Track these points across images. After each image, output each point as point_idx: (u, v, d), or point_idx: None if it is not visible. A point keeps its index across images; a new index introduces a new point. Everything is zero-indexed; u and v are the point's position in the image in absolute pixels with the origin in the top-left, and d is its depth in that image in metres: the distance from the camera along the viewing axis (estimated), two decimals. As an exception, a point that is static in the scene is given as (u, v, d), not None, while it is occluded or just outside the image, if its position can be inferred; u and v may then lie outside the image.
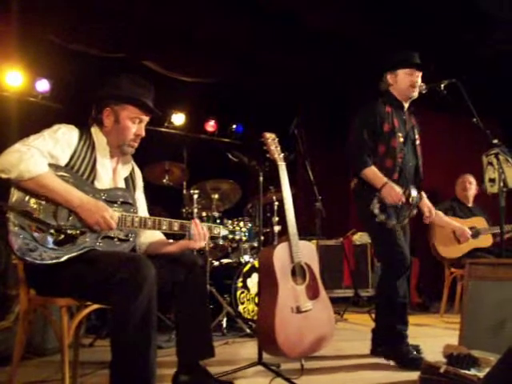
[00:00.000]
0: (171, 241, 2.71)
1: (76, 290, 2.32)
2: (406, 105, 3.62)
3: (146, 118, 2.59)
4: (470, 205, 5.55)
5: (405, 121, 3.57)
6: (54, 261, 2.21)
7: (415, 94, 3.53)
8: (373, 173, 3.34)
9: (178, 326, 2.62)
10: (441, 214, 5.33)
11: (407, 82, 3.50)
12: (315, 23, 5.66)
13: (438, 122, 6.72)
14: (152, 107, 2.59)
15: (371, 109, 3.48)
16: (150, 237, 2.69)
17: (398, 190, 3.28)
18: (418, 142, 3.59)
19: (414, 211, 3.44)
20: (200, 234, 2.59)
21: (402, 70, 3.52)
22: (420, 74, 3.51)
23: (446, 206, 5.45)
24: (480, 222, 5.35)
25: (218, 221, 4.76)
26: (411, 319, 5.29)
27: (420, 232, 6.57)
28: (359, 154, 3.37)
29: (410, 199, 3.29)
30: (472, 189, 5.57)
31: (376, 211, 3.30)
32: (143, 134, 2.59)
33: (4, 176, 2.19)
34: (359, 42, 5.92)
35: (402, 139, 3.47)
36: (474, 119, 3.43)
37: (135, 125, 2.55)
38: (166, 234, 2.71)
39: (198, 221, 2.63)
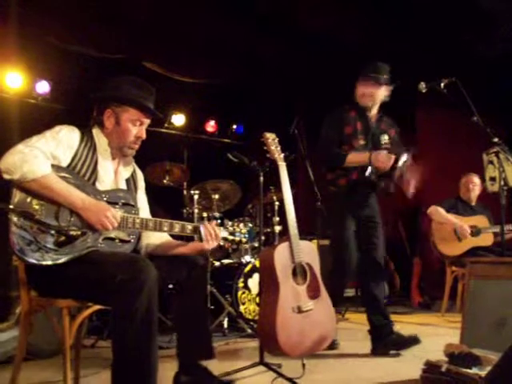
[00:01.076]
0: (180, 242, 2.72)
1: (77, 291, 2.32)
2: (373, 110, 3.84)
3: (146, 121, 2.59)
4: (474, 204, 5.54)
5: (369, 125, 3.79)
6: (55, 262, 2.21)
7: (368, 104, 3.78)
8: (352, 156, 3.64)
9: (178, 326, 2.63)
10: (441, 210, 5.35)
11: (359, 92, 3.79)
12: (315, 24, 5.65)
13: (439, 120, 6.73)
14: (153, 110, 2.59)
15: (335, 113, 3.82)
16: (160, 238, 2.69)
17: (384, 153, 3.58)
18: (383, 146, 3.76)
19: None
20: (211, 234, 2.60)
21: (360, 80, 3.80)
22: (375, 86, 3.74)
23: (449, 204, 5.44)
24: (481, 220, 5.35)
25: (219, 221, 4.76)
26: (413, 318, 5.32)
27: (421, 232, 6.59)
28: (331, 152, 3.70)
29: (399, 161, 3.57)
30: (476, 190, 5.53)
31: (373, 177, 3.62)
32: (144, 136, 2.58)
33: (7, 177, 2.19)
34: (359, 42, 5.92)
35: (362, 141, 3.72)
36: (475, 118, 3.43)
37: (136, 127, 2.55)
38: (172, 235, 2.72)
39: (207, 223, 2.63)
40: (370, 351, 3.62)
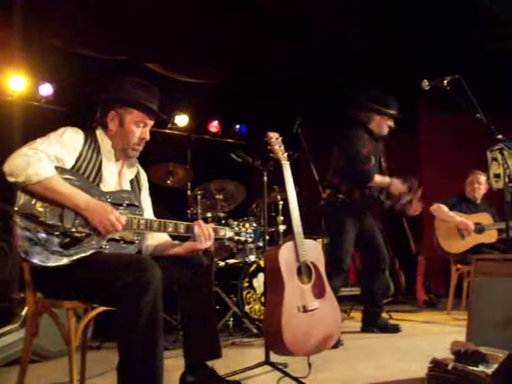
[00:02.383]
0: (177, 242, 2.72)
1: (82, 293, 2.33)
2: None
3: (150, 122, 2.59)
4: (478, 202, 5.51)
5: (375, 148, 4.27)
6: (60, 263, 2.22)
7: (384, 133, 4.30)
8: (378, 178, 4.12)
9: (185, 327, 2.63)
10: (444, 208, 5.33)
11: (378, 123, 4.25)
12: (318, 23, 5.65)
13: (443, 118, 6.71)
14: (157, 112, 2.59)
15: (355, 132, 4.18)
16: (157, 238, 2.69)
17: (400, 182, 4.11)
18: (383, 165, 4.35)
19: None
20: (205, 234, 2.60)
21: (382, 115, 4.23)
22: (389, 119, 4.26)
23: (452, 201, 5.42)
24: (485, 217, 5.34)
25: (223, 221, 4.76)
26: (419, 317, 5.33)
27: (426, 230, 6.58)
28: (364, 169, 4.09)
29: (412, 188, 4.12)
30: (481, 189, 5.49)
31: (385, 201, 4.24)
32: (148, 137, 2.59)
33: (12, 180, 2.20)
34: (361, 40, 5.91)
35: (373, 163, 4.21)
36: (478, 115, 3.42)
37: (140, 128, 2.55)
38: (172, 236, 2.72)
39: (201, 222, 2.63)
40: (360, 329, 4.45)
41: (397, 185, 4.11)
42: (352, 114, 4.31)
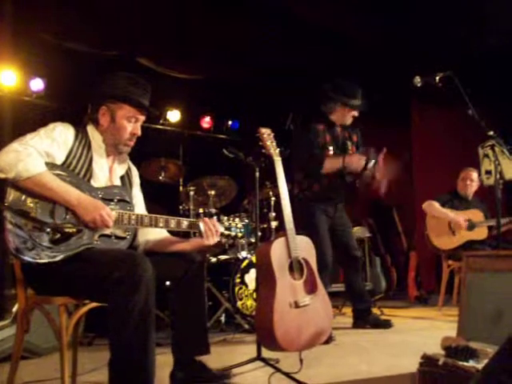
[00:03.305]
0: (179, 238, 2.71)
1: (74, 289, 2.32)
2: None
3: (142, 118, 2.58)
4: (470, 198, 5.54)
5: (337, 136, 4.29)
6: (51, 260, 2.21)
7: (347, 123, 4.29)
8: (328, 162, 4.08)
9: (174, 322, 2.63)
10: (436, 204, 5.36)
11: (341, 115, 4.25)
12: (311, 19, 5.64)
13: (435, 114, 6.73)
14: (149, 107, 2.58)
15: (308, 128, 4.22)
16: (157, 234, 2.68)
17: (355, 155, 4.11)
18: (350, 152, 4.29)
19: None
20: (211, 230, 2.60)
21: (340, 106, 4.22)
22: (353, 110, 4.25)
23: (444, 198, 5.45)
24: (476, 214, 5.36)
25: (215, 217, 4.75)
26: (410, 312, 5.35)
27: (417, 226, 6.60)
28: (310, 161, 4.11)
29: (369, 163, 4.02)
30: (473, 186, 5.51)
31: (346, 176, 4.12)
32: (139, 133, 2.58)
33: (2, 176, 2.19)
34: (355, 37, 5.91)
35: (331, 152, 4.17)
36: (470, 111, 3.43)
37: (131, 124, 2.54)
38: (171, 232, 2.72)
39: (207, 219, 2.63)
40: (351, 325, 4.47)
41: (351, 158, 4.07)
42: (315, 104, 4.37)
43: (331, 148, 4.20)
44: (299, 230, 4.58)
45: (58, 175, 2.29)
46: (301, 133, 4.19)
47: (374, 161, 4.03)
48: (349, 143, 4.35)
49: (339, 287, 6.06)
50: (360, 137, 4.46)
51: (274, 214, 5.09)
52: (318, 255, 3.99)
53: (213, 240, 2.62)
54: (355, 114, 4.29)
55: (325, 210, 4.23)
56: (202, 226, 2.58)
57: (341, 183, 4.17)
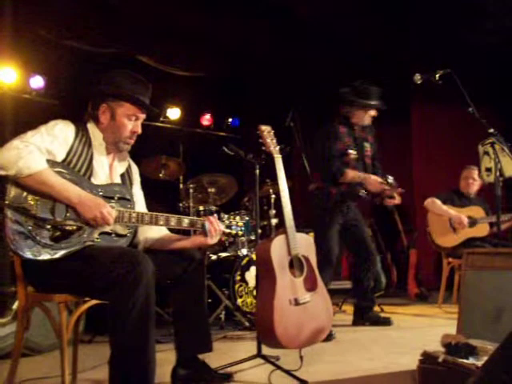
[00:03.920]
0: (179, 236, 2.71)
1: (74, 286, 2.32)
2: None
3: (142, 116, 2.58)
4: (471, 196, 5.53)
5: (356, 138, 4.34)
6: (52, 257, 2.21)
7: (365, 124, 4.35)
8: (350, 174, 4.16)
9: (176, 320, 2.63)
10: (438, 202, 5.35)
11: (361, 116, 4.29)
12: (311, 16, 5.64)
13: (436, 112, 6.73)
14: (149, 105, 2.58)
15: (327, 129, 4.27)
16: (158, 232, 2.68)
17: (375, 179, 4.16)
18: (368, 154, 4.40)
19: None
20: (216, 230, 2.61)
21: (359, 108, 4.26)
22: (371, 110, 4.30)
23: (445, 196, 5.44)
24: (477, 211, 5.35)
25: (215, 215, 4.75)
26: (410, 310, 5.36)
27: (418, 223, 6.60)
28: (332, 164, 4.15)
29: (389, 182, 4.11)
30: (475, 184, 5.49)
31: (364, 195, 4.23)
32: (139, 131, 2.57)
33: (3, 173, 2.19)
34: (355, 34, 5.91)
35: (353, 156, 4.25)
36: (470, 109, 3.43)
37: (131, 122, 2.54)
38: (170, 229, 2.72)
39: (212, 218, 2.63)
40: (351, 322, 4.48)
41: (372, 183, 4.15)
42: (334, 107, 4.40)
43: (351, 151, 4.27)
44: (311, 223, 4.65)
45: (58, 172, 2.29)
46: (323, 135, 4.27)
47: (392, 181, 4.13)
48: (366, 144, 4.42)
49: (340, 284, 6.08)
50: (374, 136, 4.51)
51: (274, 212, 5.08)
52: (324, 251, 4.08)
53: (215, 239, 2.63)
54: (373, 113, 4.33)
55: (340, 208, 4.28)
56: (207, 225, 2.58)
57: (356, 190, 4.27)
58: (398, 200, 4.25)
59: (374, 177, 4.19)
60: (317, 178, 4.41)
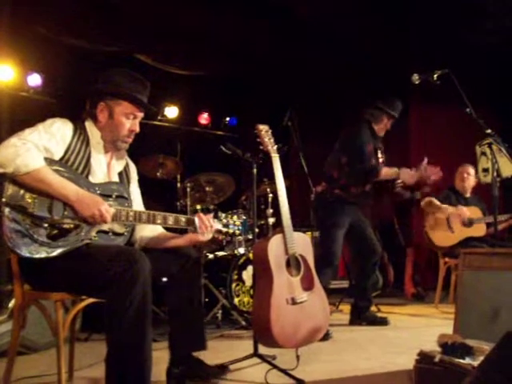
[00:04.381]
0: (174, 234, 2.71)
1: (70, 285, 2.32)
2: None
3: (140, 114, 2.58)
4: (468, 195, 5.54)
5: (375, 144, 4.34)
6: (49, 255, 2.21)
7: (382, 133, 4.44)
8: (384, 171, 4.17)
9: (171, 318, 2.64)
10: (436, 201, 5.36)
11: (386, 126, 4.42)
12: (310, 15, 5.64)
13: (434, 112, 6.73)
14: (147, 104, 2.57)
15: (363, 129, 4.27)
16: (153, 231, 2.68)
17: (408, 171, 4.15)
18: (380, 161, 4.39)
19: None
20: (206, 226, 2.60)
21: (386, 117, 4.36)
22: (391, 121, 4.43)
23: (442, 195, 5.44)
24: (474, 211, 5.36)
25: (213, 214, 4.75)
26: (407, 309, 5.36)
27: (415, 222, 6.61)
28: (370, 164, 4.15)
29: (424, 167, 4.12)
30: (470, 180, 5.51)
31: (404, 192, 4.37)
32: (137, 129, 2.57)
33: (0, 171, 2.18)
34: (353, 34, 5.91)
35: (375, 159, 4.27)
36: (468, 109, 3.43)
37: (129, 120, 2.53)
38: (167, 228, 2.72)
39: (201, 214, 2.63)
40: (348, 322, 4.48)
41: (406, 173, 4.15)
42: (361, 112, 4.44)
43: (380, 155, 4.34)
44: (316, 223, 4.64)
45: (56, 170, 2.29)
46: (355, 136, 4.25)
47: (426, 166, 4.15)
48: (379, 151, 4.43)
49: (337, 284, 6.08)
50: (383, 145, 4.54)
51: (271, 211, 5.08)
52: (327, 252, 4.15)
53: (208, 236, 2.62)
54: (389, 126, 4.44)
55: (348, 209, 4.27)
56: (196, 221, 2.59)
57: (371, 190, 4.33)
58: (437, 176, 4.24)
59: (408, 171, 4.18)
60: (326, 177, 4.35)
